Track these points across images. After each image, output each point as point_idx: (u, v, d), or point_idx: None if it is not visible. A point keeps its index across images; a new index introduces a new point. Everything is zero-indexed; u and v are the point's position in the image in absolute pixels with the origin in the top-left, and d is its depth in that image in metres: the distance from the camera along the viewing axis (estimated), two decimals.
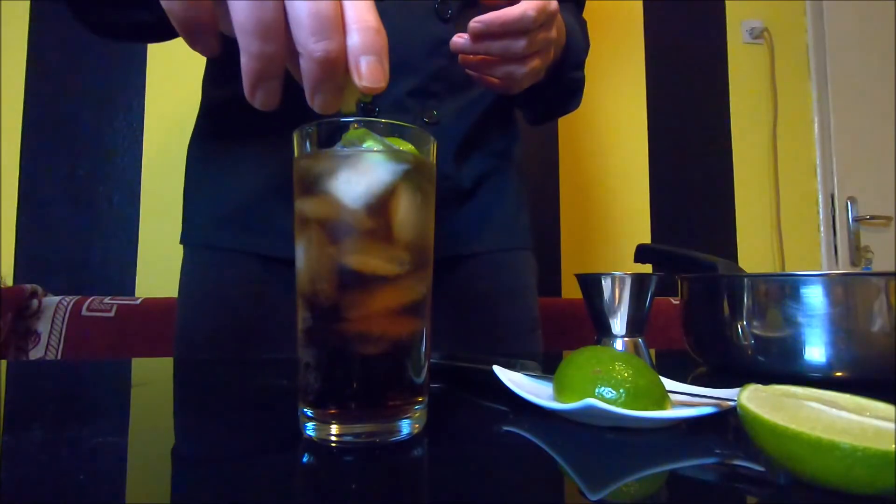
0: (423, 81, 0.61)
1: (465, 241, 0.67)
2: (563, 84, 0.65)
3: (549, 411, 0.32)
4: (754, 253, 1.58)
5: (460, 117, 0.64)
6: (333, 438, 0.27)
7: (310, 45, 0.28)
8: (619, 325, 0.51)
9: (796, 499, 0.22)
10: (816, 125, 1.64)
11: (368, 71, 0.29)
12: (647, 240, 1.52)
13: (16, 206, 1.24)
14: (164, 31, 0.55)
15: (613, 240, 1.51)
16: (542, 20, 0.49)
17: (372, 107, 0.59)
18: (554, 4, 0.51)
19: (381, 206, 0.28)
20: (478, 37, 0.49)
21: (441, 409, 0.34)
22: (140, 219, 1.28)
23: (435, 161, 0.32)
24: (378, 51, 0.29)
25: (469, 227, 0.67)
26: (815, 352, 0.44)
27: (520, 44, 0.49)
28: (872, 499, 0.20)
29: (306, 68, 0.29)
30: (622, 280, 0.50)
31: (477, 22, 0.48)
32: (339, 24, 0.28)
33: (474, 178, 0.67)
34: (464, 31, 0.62)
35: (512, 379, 0.36)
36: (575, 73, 0.66)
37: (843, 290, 0.44)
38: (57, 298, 1.08)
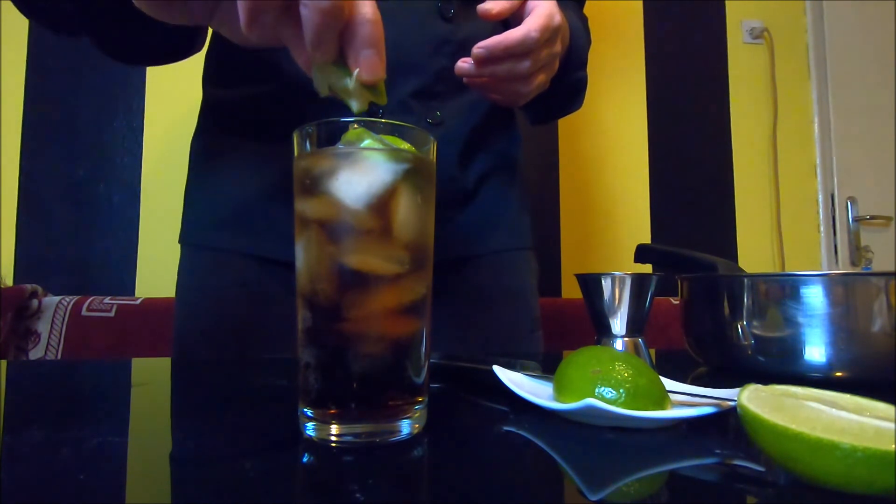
0: (427, 82, 0.60)
1: (469, 243, 0.67)
2: (566, 85, 0.65)
3: (549, 411, 0.32)
4: (754, 253, 1.58)
5: (463, 117, 0.64)
6: (333, 438, 0.27)
7: None
8: (619, 325, 0.51)
9: (796, 499, 0.22)
10: (816, 125, 1.64)
11: (366, 65, 0.31)
12: (647, 240, 1.52)
13: (16, 206, 1.24)
14: (177, 50, 0.55)
15: (613, 240, 1.51)
16: (546, 38, 0.49)
17: (376, 108, 0.59)
18: (558, 19, 0.50)
19: (381, 205, 0.28)
20: (481, 62, 0.49)
21: (441, 409, 0.34)
22: (140, 219, 1.28)
23: (435, 160, 0.32)
24: (375, 43, 0.31)
25: (472, 228, 0.67)
26: (815, 352, 0.43)
27: (524, 65, 0.49)
28: (872, 499, 0.20)
29: (308, 17, 0.30)
30: (622, 280, 0.50)
31: (480, 48, 0.48)
32: None
33: (477, 179, 0.67)
34: (466, 30, 0.62)
35: (512, 379, 0.36)
36: (578, 74, 0.66)
37: (843, 290, 0.44)
38: (57, 298, 1.08)
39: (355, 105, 0.33)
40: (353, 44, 0.31)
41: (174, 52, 0.55)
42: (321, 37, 0.31)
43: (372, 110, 0.59)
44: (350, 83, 0.32)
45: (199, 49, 0.60)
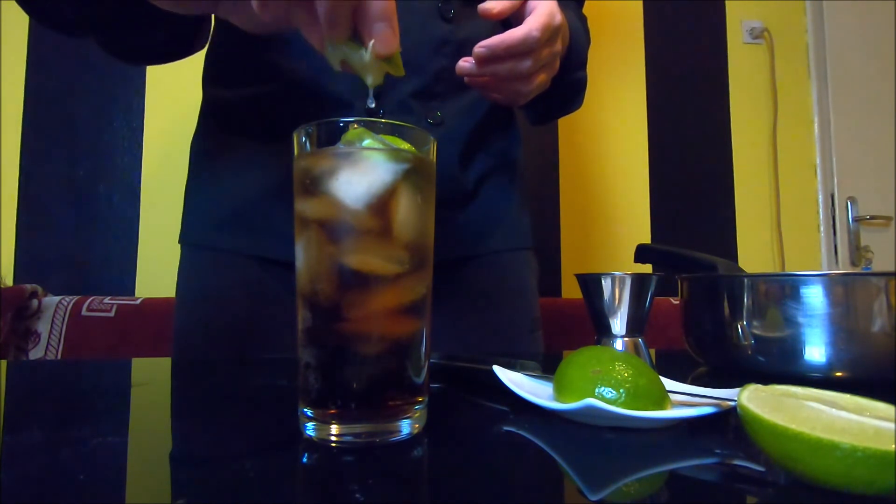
0: (427, 82, 0.60)
1: (469, 243, 0.67)
2: (566, 85, 0.65)
3: (549, 411, 0.32)
4: (754, 253, 1.58)
5: (463, 117, 0.64)
6: (333, 438, 0.27)
7: None
8: (619, 325, 0.51)
9: (796, 499, 0.22)
10: (816, 125, 1.64)
11: (380, 38, 0.32)
12: (647, 240, 1.52)
13: (16, 206, 1.24)
14: (180, 48, 0.55)
15: (613, 240, 1.51)
16: (547, 37, 0.49)
17: (376, 109, 0.59)
18: (559, 18, 0.50)
19: (381, 205, 0.28)
20: (482, 61, 0.49)
21: (441, 409, 0.34)
22: (140, 219, 1.28)
23: (435, 160, 0.32)
24: (387, 17, 0.32)
25: (472, 228, 0.67)
26: (815, 352, 0.43)
27: (525, 64, 0.49)
28: (872, 499, 0.20)
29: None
30: (622, 280, 0.50)
31: (481, 47, 0.48)
32: None
33: (477, 179, 0.67)
34: (466, 30, 0.62)
35: (512, 379, 0.36)
36: (578, 74, 0.66)
37: (843, 290, 0.44)
38: (57, 298, 1.08)
39: (370, 79, 0.34)
40: (366, 19, 0.32)
41: (176, 49, 0.55)
42: (335, 17, 0.32)
43: (372, 110, 0.59)
44: (366, 57, 0.33)
45: (201, 47, 0.60)
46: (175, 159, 1.29)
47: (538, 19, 0.48)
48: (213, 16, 0.64)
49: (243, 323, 0.62)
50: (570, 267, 1.47)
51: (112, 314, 1.06)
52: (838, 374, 0.43)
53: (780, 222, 1.59)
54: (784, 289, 0.45)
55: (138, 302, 1.09)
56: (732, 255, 1.57)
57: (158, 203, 1.28)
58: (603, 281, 0.50)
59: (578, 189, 1.51)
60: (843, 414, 0.22)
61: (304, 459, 0.26)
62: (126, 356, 1.03)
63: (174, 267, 0.67)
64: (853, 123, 1.62)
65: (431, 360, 0.35)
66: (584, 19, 0.73)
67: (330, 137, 0.29)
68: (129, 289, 1.26)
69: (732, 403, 0.30)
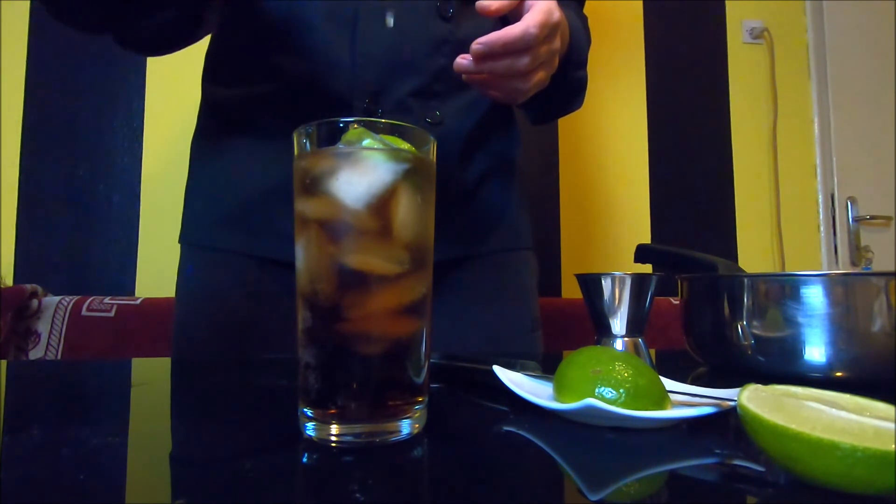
0: (426, 81, 0.60)
1: (469, 243, 0.67)
2: (566, 85, 0.65)
3: (549, 411, 0.32)
4: (754, 253, 1.57)
5: (463, 117, 0.64)
6: (333, 438, 0.27)
7: None
8: (619, 325, 0.51)
9: (796, 499, 0.22)
10: (816, 125, 1.63)
11: None
12: (647, 240, 1.52)
13: (16, 206, 1.24)
14: (189, 31, 0.55)
15: (613, 240, 1.51)
16: (545, 34, 0.49)
17: (375, 108, 0.59)
18: (557, 16, 0.50)
19: (381, 205, 0.28)
20: (480, 58, 0.49)
21: (441, 409, 0.34)
22: (140, 219, 1.28)
23: (435, 160, 0.32)
24: None
25: (472, 228, 0.67)
26: (815, 352, 0.43)
27: (523, 61, 0.49)
28: (872, 499, 0.20)
29: None
30: (622, 280, 0.50)
31: (479, 44, 0.48)
32: None
33: (476, 179, 0.67)
34: (465, 29, 0.62)
35: (512, 379, 0.36)
36: (578, 73, 0.66)
37: (843, 290, 0.44)
38: (57, 298, 1.08)
39: None
40: None
41: (186, 28, 0.56)
42: None
43: (371, 110, 0.59)
44: None
45: (210, 30, 0.60)
46: (175, 159, 1.29)
47: (536, 16, 0.48)
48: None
49: (243, 323, 0.62)
50: (570, 267, 1.47)
51: (112, 314, 1.06)
52: (838, 374, 0.43)
53: (780, 222, 1.58)
54: (784, 289, 0.45)
55: (138, 302, 1.09)
56: (732, 255, 1.57)
57: (158, 203, 1.28)
58: (603, 281, 0.50)
59: (578, 189, 1.51)
60: (843, 414, 0.22)
61: (304, 459, 0.26)
62: (126, 356, 1.03)
63: (174, 267, 0.67)
64: (853, 123, 1.62)
65: (431, 360, 0.35)
66: (584, 19, 0.73)
67: (330, 137, 0.29)
68: (129, 289, 1.26)
69: (732, 403, 0.30)
